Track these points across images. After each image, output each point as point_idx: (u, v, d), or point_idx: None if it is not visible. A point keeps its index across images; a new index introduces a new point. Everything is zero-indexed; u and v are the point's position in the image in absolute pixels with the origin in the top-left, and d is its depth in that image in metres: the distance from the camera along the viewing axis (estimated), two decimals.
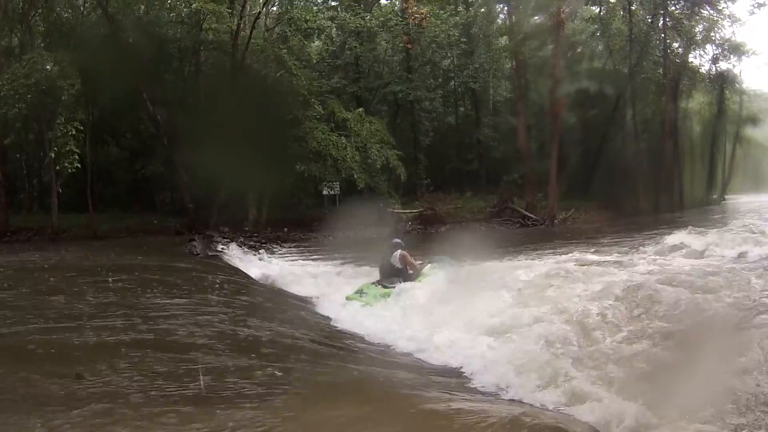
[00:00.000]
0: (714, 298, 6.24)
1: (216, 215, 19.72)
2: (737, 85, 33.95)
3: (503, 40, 26.78)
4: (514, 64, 24.88)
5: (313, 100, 19.95)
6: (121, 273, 8.84)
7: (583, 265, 9.65)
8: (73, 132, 17.24)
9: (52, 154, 17.42)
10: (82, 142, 18.30)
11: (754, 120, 35.16)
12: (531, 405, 4.15)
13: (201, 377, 3.73)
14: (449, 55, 26.06)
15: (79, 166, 17.76)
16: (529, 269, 9.27)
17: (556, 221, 22.01)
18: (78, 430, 2.94)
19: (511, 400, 4.34)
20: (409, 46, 23.76)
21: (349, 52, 23.81)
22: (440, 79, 27.71)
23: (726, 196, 34.14)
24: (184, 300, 7.21)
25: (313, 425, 3.28)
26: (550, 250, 13.42)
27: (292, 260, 15.67)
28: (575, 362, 4.96)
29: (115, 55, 20.71)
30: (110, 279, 8.03)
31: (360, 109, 20.92)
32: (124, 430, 2.98)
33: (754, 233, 12.79)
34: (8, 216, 18.84)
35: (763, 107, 36.16)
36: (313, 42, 22.56)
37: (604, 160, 25.05)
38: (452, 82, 27.74)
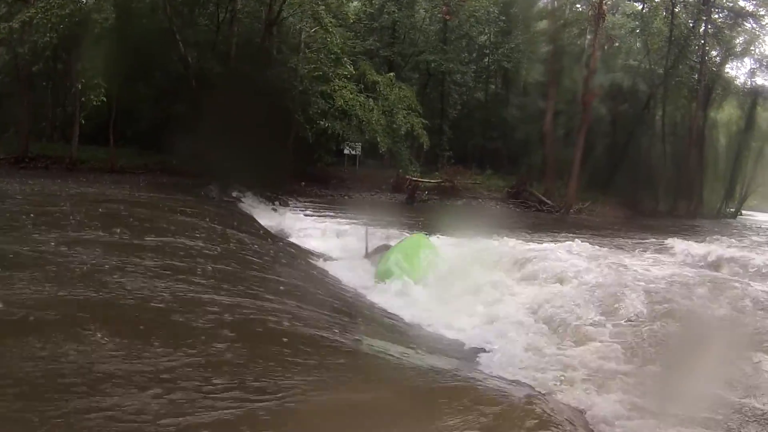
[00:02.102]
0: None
1: (234, 163, 19.68)
2: None
3: (542, 24, 26.49)
4: (550, 48, 24.61)
5: (345, 59, 19.79)
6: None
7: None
8: (102, 66, 17.23)
9: (79, 86, 17.43)
10: (110, 77, 18.29)
11: None
12: (535, 389, 4.08)
13: None
14: (486, 31, 25.86)
15: (104, 99, 17.77)
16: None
17: (572, 211, 21.88)
18: None
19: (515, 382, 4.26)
20: (447, 17, 23.58)
21: (386, 16, 23.61)
22: (474, 54, 27.51)
23: (742, 211, 33.81)
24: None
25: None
26: (563, 237, 13.37)
27: (305, 214, 15.71)
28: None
29: None
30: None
31: (391, 74, 20.77)
32: None
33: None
34: (28, 142, 18.93)
35: None
36: (352, 1, 22.36)
37: (628, 157, 24.81)
38: (486, 59, 27.61)
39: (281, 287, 5.27)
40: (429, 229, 11.54)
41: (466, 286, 7.14)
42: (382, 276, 7.65)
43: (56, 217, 6.91)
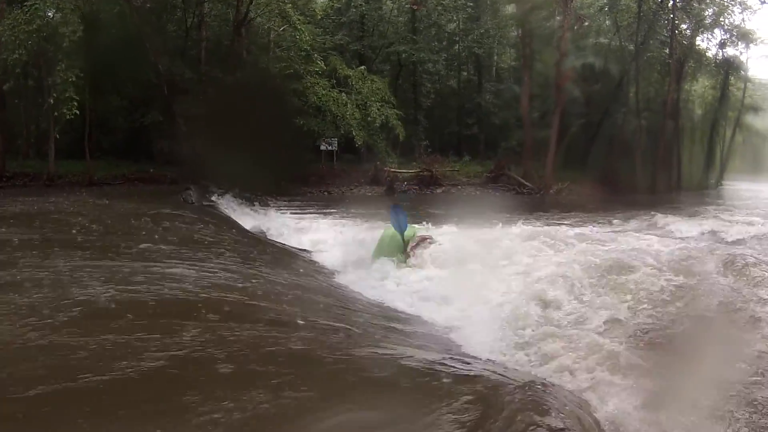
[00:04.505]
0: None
1: (211, 166, 19.67)
2: (742, 72, 33.79)
3: (511, 8, 26.54)
4: (520, 32, 24.68)
5: (315, 55, 19.82)
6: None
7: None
8: (73, 79, 17.21)
9: (51, 100, 17.39)
10: (82, 90, 18.26)
11: (756, 108, 35.07)
12: (518, 371, 4.14)
13: None
14: (455, 18, 25.93)
15: (77, 112, 17.75)
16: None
17: (551, 191, 22.05)
18: None
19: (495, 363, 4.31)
20: (415, 7, 23.64)
21: (354, 10, 23.64)
22: (444, 42, 27.56)
23: (723, 182, 34.16)
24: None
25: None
26: (544, 219, 13.50)
27: (286, 213, 15.74)
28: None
29: (118, 2, 20.63)
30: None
31: (362, 67, 20.83)
32: None
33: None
34: (5, 161, 18.87)
35: (767, 96, 36.12)
36: None
37: (603, 135, 25.00)
38: (456, 46, 27.60)
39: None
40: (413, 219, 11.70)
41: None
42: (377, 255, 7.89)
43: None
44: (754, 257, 7.34)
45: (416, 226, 9.28)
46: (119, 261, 5.43)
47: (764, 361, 4.27)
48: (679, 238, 11.04)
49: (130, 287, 4.37)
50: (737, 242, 10.40)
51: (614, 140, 24.54)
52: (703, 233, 12.10)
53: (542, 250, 8.24)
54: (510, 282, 6.72)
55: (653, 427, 3.42)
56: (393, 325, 5.31)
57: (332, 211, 15.98)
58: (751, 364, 4.18)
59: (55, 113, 17.61)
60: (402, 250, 7.97)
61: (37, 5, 17.12)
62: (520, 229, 10.06)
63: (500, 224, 10.23)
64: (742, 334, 4.85)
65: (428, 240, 8.23)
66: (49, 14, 18.20)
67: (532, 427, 2.74)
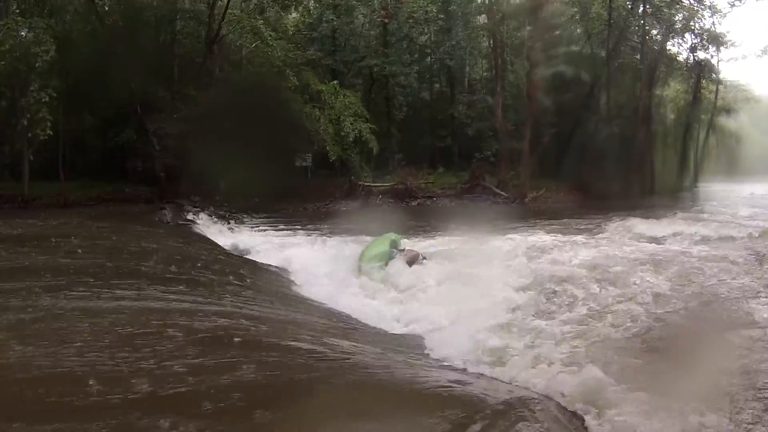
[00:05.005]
0: None
1: (187, 184, 19.73)
2: (714, 75, 34.29)
3: (482, 19, 26.84)
4: (491, 43, 24.96)
5: (287, 71, 19.92)
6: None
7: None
8: (47, 99, 17.11)
9: (25, 121, 17.29)
10: (56, 110, 18.16)
11: (728, 110, 35.59)
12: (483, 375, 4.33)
13: None
14: (426, 31, 26.14)
15: (51, 133, 17.64)
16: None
17: (526, 200, 22.31)
18: None
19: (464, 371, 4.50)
20: (386, 20, 23.80)
21: (326, 25, 23.77)
22: (416, 55, 27.75)
23: (698, 183, 34.61)
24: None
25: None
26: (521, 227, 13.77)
27: (261, 231, 15.82)
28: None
29: (90, 22, 20.60)
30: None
31: (335, 82, 20.95)
32: None
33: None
34: None
35: (739, 97, 36.64)
36: (291, 14, 22.46)
37: (575, 143, 25.31)
38: (428, 58, 27.81)
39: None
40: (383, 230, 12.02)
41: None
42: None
43: None
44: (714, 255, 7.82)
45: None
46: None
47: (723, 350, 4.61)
48: (650, 240, 11.45)
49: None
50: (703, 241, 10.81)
51: (587, 148, 24.84)
52: (673, 235, 12.46)
53: (521, 258, 8.71)
54: (489, 289, 7.04)
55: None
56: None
57: (309, 227, 16.08)
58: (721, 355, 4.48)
59: (29, 134, 17.47)
60: (387, 258, 8.48)
61: (10, 25, 17.02)
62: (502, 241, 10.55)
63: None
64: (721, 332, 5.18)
65: (421, 257, 8.96)
66: (22, 33, 18.06)
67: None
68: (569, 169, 23.91)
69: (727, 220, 15.78)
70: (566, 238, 11.54)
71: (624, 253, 8.89)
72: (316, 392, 3.43)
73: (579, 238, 11.63)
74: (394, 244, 9.12)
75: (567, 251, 9.34)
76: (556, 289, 6.79)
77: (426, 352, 5.27)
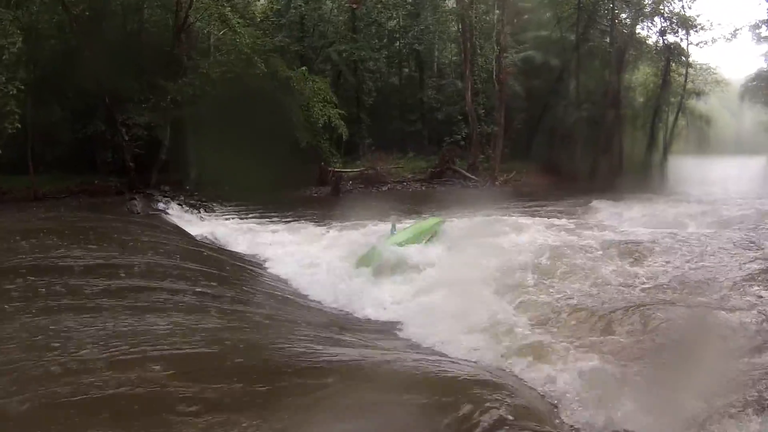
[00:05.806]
0: None
1: (157, 174, 19.71)
2: (683, 58, 34.72)
3: (450, 3, 26.90)
4: (460, 27, 25.07)
5: (256, 58, 19.86)
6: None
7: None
8: (14, 92, 16.89)
9: None
10: (24, 102, 17.95)
11: (698, 93, 36.07)
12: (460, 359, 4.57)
13: None
14: (395, 15, 26.18)
15: (19, 126, 17.44)
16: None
17: (497, 183, 22.61)
18: None
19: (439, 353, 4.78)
20: (354, 6, 23.80)
21: (294, 11, 23.71)
22: (385, 40, 27.76)
23: (667, 161, 35.17)
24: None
25: None
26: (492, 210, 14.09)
27: (232, 219, 15.91)
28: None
29: (57, 12, 20.34)
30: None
31: (303, 68, 20.93)
32: None
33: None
34: None
35: (709, 80, 37.15)
36: (259, 0, 22.38)
37: (544, 127, 25.62)
38: (397, 43, 27.85)
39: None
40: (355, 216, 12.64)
41: None
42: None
43: None
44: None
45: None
46: None
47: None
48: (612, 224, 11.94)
49: None
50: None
51: (556, 132, 25.18)
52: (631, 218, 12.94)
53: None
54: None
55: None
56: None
57: (278, 214, 16.20)
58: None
59: None
60: (380, 259, 8.63)
61: None
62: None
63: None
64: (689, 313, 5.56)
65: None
66: None
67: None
68: (539, 152, 24.26)
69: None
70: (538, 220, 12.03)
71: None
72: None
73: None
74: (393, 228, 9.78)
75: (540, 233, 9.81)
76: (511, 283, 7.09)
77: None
